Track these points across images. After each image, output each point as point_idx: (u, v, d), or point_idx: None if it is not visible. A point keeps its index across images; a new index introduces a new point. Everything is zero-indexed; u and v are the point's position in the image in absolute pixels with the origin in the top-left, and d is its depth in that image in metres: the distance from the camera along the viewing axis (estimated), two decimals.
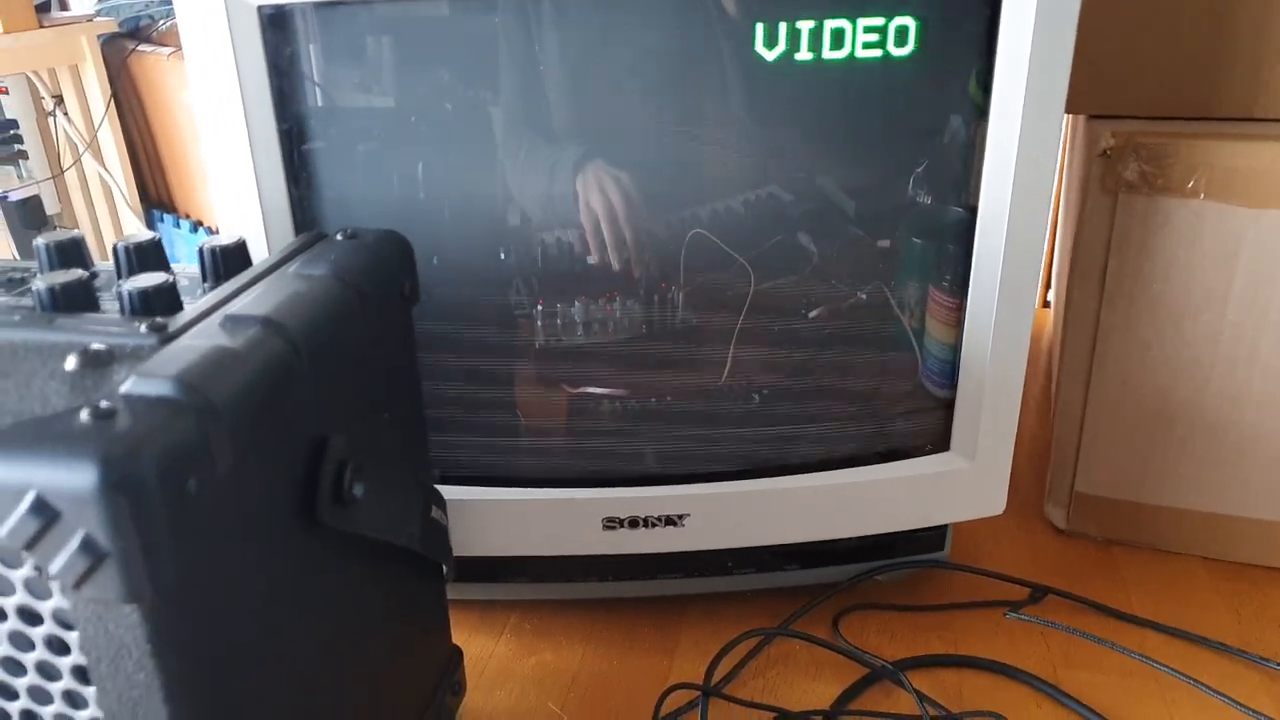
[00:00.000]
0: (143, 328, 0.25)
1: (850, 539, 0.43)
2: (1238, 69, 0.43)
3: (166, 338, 0.24)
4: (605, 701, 0.40)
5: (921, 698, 0.38)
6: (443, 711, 0.37)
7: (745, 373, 0.41)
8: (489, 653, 0.43)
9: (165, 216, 1.37)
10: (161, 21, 1.30)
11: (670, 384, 0.41)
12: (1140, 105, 0.45)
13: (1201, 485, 0.46)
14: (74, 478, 0.19)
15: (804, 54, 0.35)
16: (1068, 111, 0.45)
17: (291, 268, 0.29)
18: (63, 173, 1.37)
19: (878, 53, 0.35)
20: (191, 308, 0.26)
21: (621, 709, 0.39)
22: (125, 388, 0.21)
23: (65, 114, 1.31)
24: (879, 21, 0.35)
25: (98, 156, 1.33)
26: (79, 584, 0.19)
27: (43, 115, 1.34)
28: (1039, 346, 0.70)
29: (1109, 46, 0.44)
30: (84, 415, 0.20)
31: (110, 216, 1.39)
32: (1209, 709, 0.39)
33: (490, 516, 0.41)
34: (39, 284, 0.27)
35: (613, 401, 0.41)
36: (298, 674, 0.26)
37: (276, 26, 0.34)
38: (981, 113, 0.36)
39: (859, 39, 0.35)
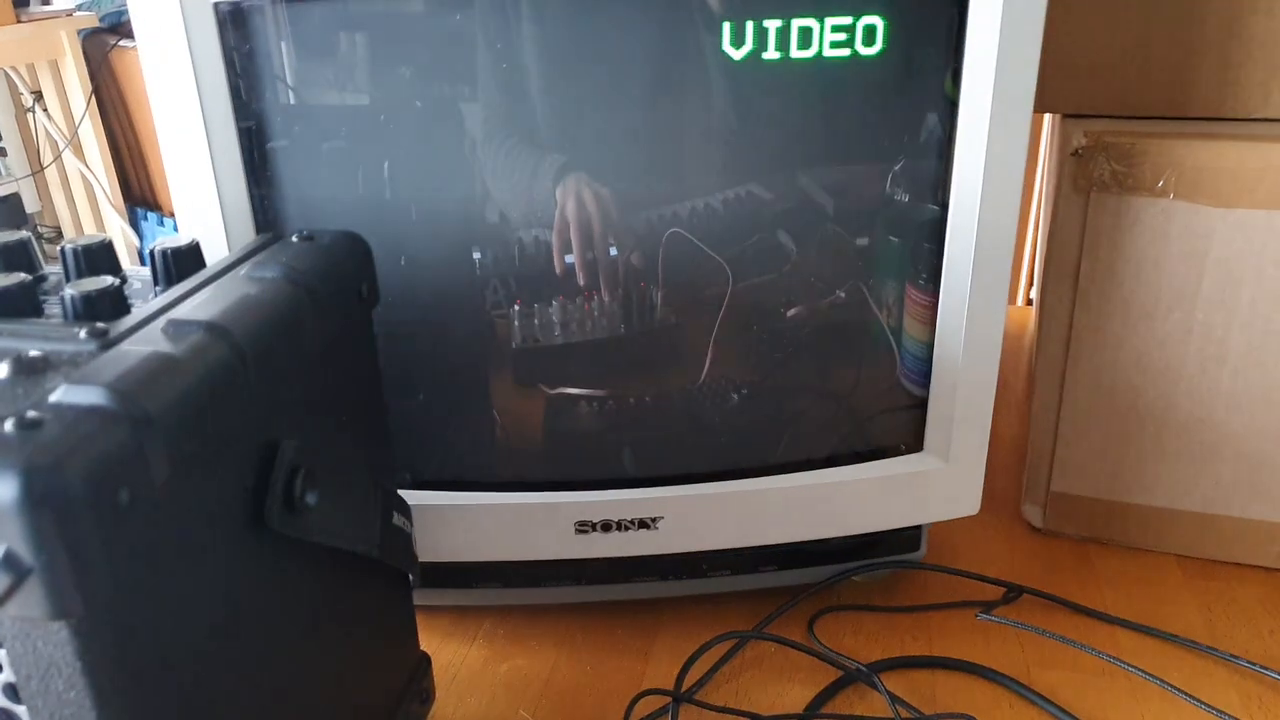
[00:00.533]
0: (82, 333, 0.24)
1: (826, 540, 0.43)
2: (1207, 69, 0.43)
3: (107, 344, 0.24)
4: (577, 707, 0.40)
5: (894, 700, 0.38)
6: (409, 719, 0.36)
7: (723, 372, 0.40)
8: (461, 659, 0.43)
9: (149, 214, 1.36)
10: None
11: (648, 384, 0.41)
12: (1113, 104, 0.45)
13: (1174, 483, 0.46)
14: None
15: (771, 53, 0.35)
16: (1044, 111, 0.44)
17: (243, 270, 0.28)
18: (42, 169, 1.35)
19: (846, 52, 0.35)
20: (136, 312, 0.26)
21: (593, 715, 0.39)
22: (55, 396, 0.20)
23: (45, 110, 1.29)
24: (846, 20, 0.35)
25: (79, 153, 1.31)
26: (1, 601, 0.19)
27: (21, 111, 1.32)
28: (1022, 345, 0.70)
29: (1082, 46, 0.43)
30: (8, 425, 0.19)
31: (92, 214, 1.37)
32: (1178, 707, 0.39)
33: (461, 521, 0.40)
34: None
35: (588, 402, 0.41)
36: (252, 685, 0.26)
37: (234, 23, 0.34)
38: (952, 112, 0.36)
39: (827, 38, 0.35)
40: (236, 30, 0.34)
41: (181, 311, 0.25)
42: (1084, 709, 0.39)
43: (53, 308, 0.27)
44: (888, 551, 0.45)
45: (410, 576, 0.35)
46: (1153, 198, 0.42)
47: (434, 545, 0.39)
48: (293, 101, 0.36)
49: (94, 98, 1.29)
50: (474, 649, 0.43)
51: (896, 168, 0.38)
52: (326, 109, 0.36)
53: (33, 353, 0.23)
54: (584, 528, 0.40)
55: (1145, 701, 0.39)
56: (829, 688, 0.40)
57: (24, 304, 0.26)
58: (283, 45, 0.35)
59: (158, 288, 0.29)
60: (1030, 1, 0.33)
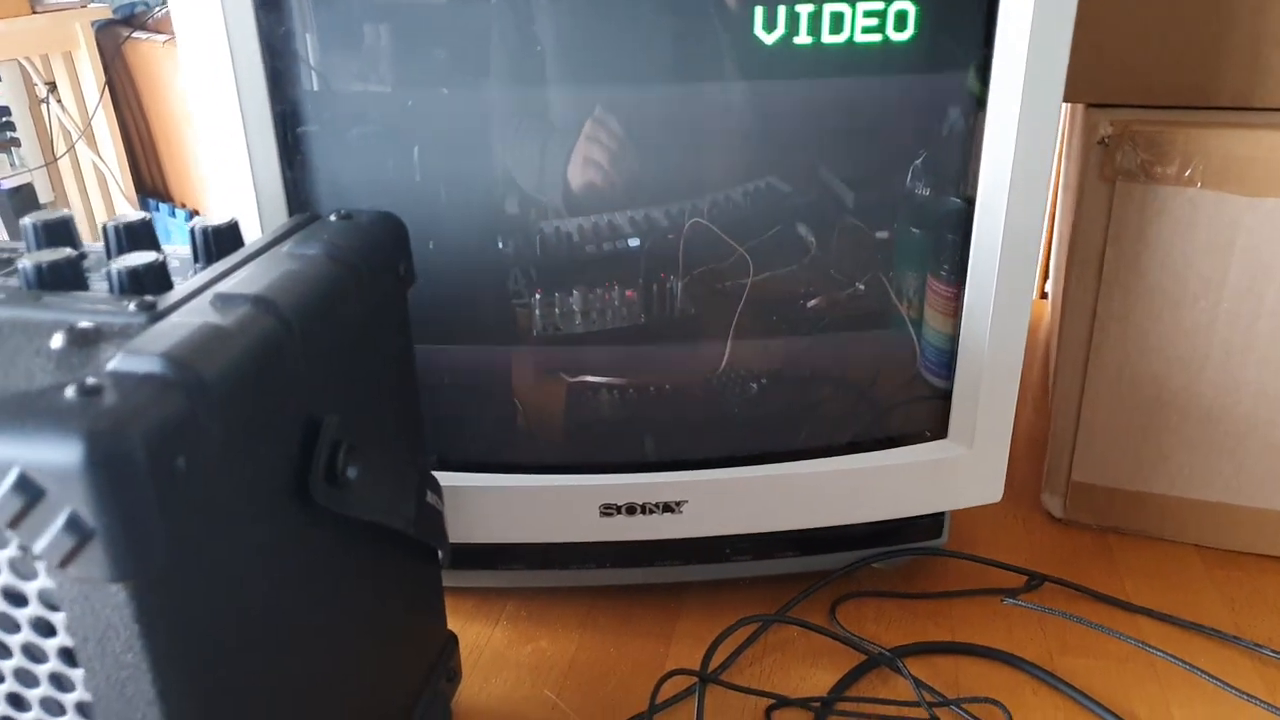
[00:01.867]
0: (131, 306, 0.24)
1: (848, 526, 0.43)
2: (1235, 58, 0.42)
3: (155, 316, 0.24)
4: (601, 688, 0.40)
5: (919, 684, 0.38)
6: (437, 697, 0.37)
7: (743, 361, 0.41)
8: (485, 640, 0.43)
9: (160, 205, 1.36)
10: (156, 8, 1.29)
11: (667, 373, 0.41)
12: (1138, 94, 0.44)
13: (1196, 473, 0.46)
14: (59, 454, 0.18)
15: (803, 38, 0.35)
16: (1066, 100, 0.44)
17: (284, 247, 0.28)
18: (55, 160, 1.36)
19: (877, 37, 0.35)
20: (181, 287, 0.26)
21: (617, 696, 0.39)
22: (113, 365, 0.21)
23: (59, 101, 1.30)
24: (878, 5, 0.35)
25: (92, 144, 1.32)
26: (64, 563, 0.19)
27: (35, 102, 1.33)
28: (1036, 337, 0.70)
29: (1108, 35, 0.43)
30: (70, 392, 0.19)
31: (104, 204, 1.38)
32: (1203, 693, 0.39)
33: (487, 503, 0.40)
34: (25, 262, 0.26)
35: (611, 389, 0.41)
36: (289, 655, 0.26)
37: (270, 7, 0.34)
38: (980, 101, 0.36)
39: (858, 23, 0.35)
40: (271, 14, 0.34)
41: (228, 285, 0.25)
42: (1107, 694, 0.39)
43: (96, 283, 0.28)
44: (910, 539, 0.46)
45: (440, 555, 0.36)
46: (1180, 187, 0.42)
47: (460, 526, 0.39)
48: (325, 87, 0.36)
49: (107, 89, 1.30)
50: (498, 630, 0.44)
51: (921, 158, 0.38)
52: (357, 95, 0.37)
53: (84, 324, 0.24)
54: (609, 510, 0.41)
55: (1169, 688, 0.39)
56: (852, 672, 0.40)
57: (71, 278, 0.26)
58: (316, 31, 0.35)
59: (197, 265, 0.30)
60: None
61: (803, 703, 0.38)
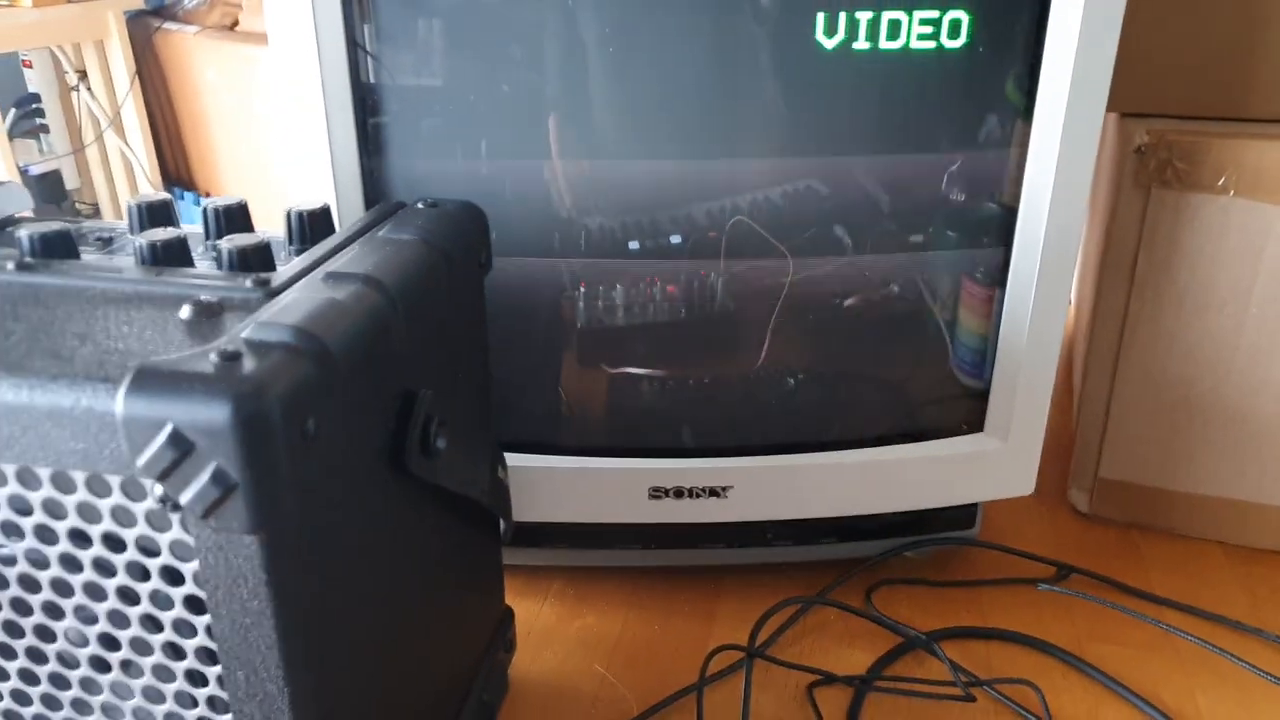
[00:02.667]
0: (248, 282, 0.26)
1: (886, 514, 0.45)
2: (1267, 72, 0.44)
3: (271, 292, 0.26)
4: (649, 664, 0.42)
5: (955, 666, 0.39)
6: (496, 666, 0.38)
7: (781, 357, 0.42)
8: (534, 616, 0.45)
9: (185, 194, 1.38)
10: (187, 0, 1.31)
11: (710, 366, 0.43)
12: (1172, 105, 0.46)
13: (1221, 472, 0.48)
14: (209, 413, 0.20)
15: (862, 43, 0.36)
16: (1108, 110, 0.46)
17: (380, 232, 0.30)
18: (84, 148, 1.38)
19: (931, 44, 0.37)
20: (289, 266, 0.28)
21: (664, 671, 0.41)
22: (246, 333, 0.22)
23: (89, 89, 1.31)
24: (934, 14, 0.36)
25: (120, 133, 1.33)
26: (208, 514, 0.21)
27: (66, 90, 1.35)
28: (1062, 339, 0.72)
29: (1144, 47, 0.45)
30: (213, 356, 0.21)
31: (130, 192, 1.40)
32: (1226, 680, 0.40)
33: (541, 483, 0.42)
34: (140, 240, 0.28)
35: (653, 380, 0.43)
36: (383, 612, 0.28)
37: (355, 5, 0.36)
38: (1024, 109, 0.38)
39: (914, 30, 0.36)
40: (356, 14, 0.36)
41: (336, 265, 0.27)
42: (1134, 680, 0.40)
43: (200, 260, 0.29)
44: (943, 528, 0.47)
45: (503, 528, 0.37)
46: (1212, 195, 0.44)
47: (516, 505, 0.41)
48: (403, 79, 0.37)
49: (137, 79, 1.31)
50: (546, 607, 0.45)
51: (962, 163, 0.40)
52: (426, 89, 0.38)
53: (208, 298, 0.25)
54: (657, 493, 0.42)
55: (1194, 676, 0.41)
56: (889, 653, 0.42)
57: (182, 255, 0.28)
58: (395, 29, 0.37)
59: (292, 246, 0.31)
60: (1110, 1, 0.35)
61: (846, 680, 0.40)
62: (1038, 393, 0.42)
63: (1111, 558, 0.49)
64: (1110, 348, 0.48)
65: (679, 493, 0.42)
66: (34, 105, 1.36)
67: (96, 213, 1.46)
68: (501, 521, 0.37)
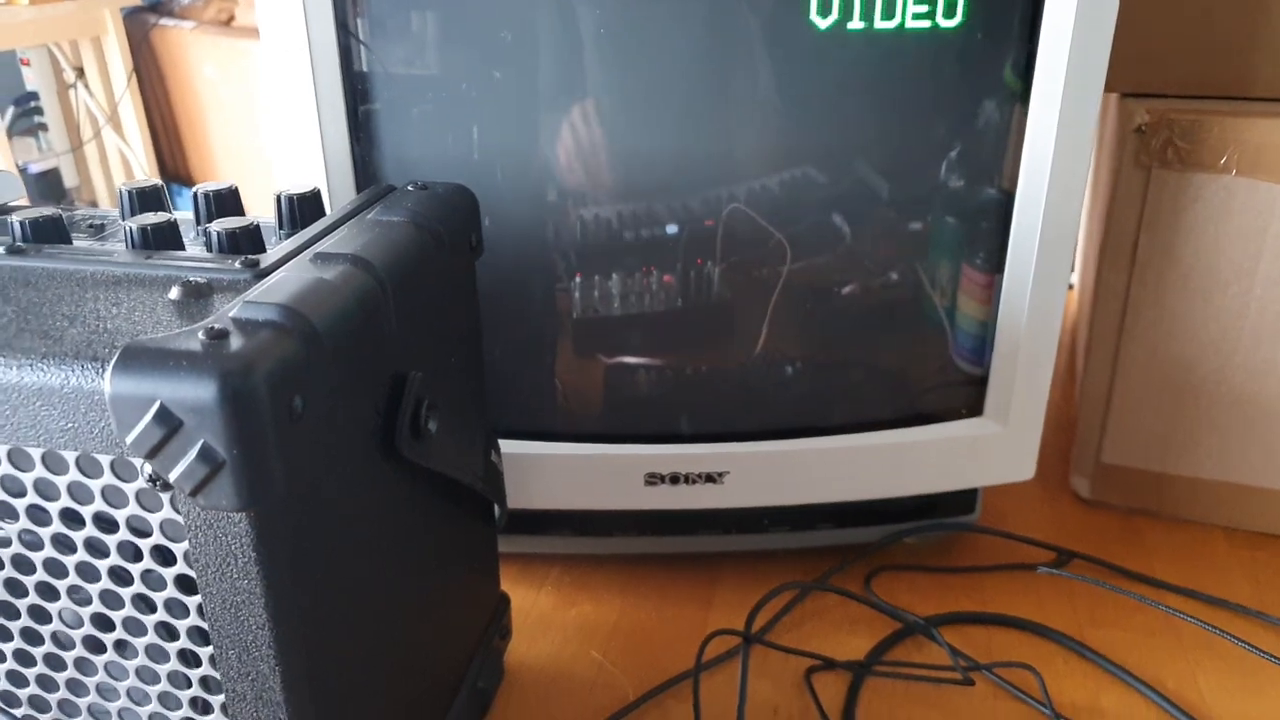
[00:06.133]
0: (236, 264, 0.26)
1: (884, 501, 0.44)
2: (1269, 50, 0.43)
3: (260, 273, 0.26)
4: (646, 650, 0.41)
5: (954, 650, 0.39)
6: (492, 652, 0.38)
7: (778, 346, 0.42)
8: (531, 603, 0.45)
9: (183, 190, 1.38)
10: None
11: (706, 354, 0.42)
12: (1172, 84, 0.46)
13: (1224, 456, 0.48)
14: (196, 390, 0.20)
15: (856, 23, 0.36)
16: (1107, 90, 0.45)
17: (370, 214, 0.30)
18: (82, 145, 1.38)
19: (926, 24, 0.36)
20: (278, 247, 0.27)
21: (661, 657, 0.41)
22: (234, 312, 0.22)
23: (86, 87, 1.31)
24: None
25: (118, 130, 1.34)
26: (196, 491, 0.21)
27: (63, 88, 1.35)
28: (1062, 325, 0.71)
29: (1143, 26, 0.44)
30: (200, 335, 0.21)
31: None
32: (1230, 663, 0.40)
33: (536, 469, 0.42)
34: (131, 224, 0.28)
35: (649, 369, 0.42)
36: (374, 598, 0.28)
37: None
38: (1020, 91, 0.37)
39: (909, 9, 0.36)
40: (347, 4, 0.35)
41: (325, 246, 0.27)
42: (1136, 665, 0.40)
43: (191, 245, 0.29)
44: (943, 514, 0.47)
45: (498, 514, 0.37)
46: (1214, 174, 0.43)
47: (511, 492, 0.41)
48: (388, 68, 0.37)
49: (134, 75, 1.31)
50: (543, 594, 0.45)
51: (959, 147, 0.39)
52: (417, 76, 0.38)
53: (196, 279, 0.25)
54: (653, 480, 0.42)
55: (1196, 661, 0.41)
56: (888, 639, 0.41)
57: (173, 239, 0.28)
58: (384, 17, 0.36)
59: (282, 230, 0.31)
60: None
61: (844, 665, 0.39)
62: (1037, 377, 0.42)
63: (1113, 543, 0.48)
64: (1112, 331, 0.48)
65: (675, 479, 0.42)
66: (32, 103, 1.36)
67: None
68: (496, 507, 0.37)
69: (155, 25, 1.29)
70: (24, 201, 0.34)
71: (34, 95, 1.36)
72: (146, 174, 1.36)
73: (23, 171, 1.33)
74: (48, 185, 1.41)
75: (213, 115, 1.28)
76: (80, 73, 1.32)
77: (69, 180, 1.44)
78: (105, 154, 1.39)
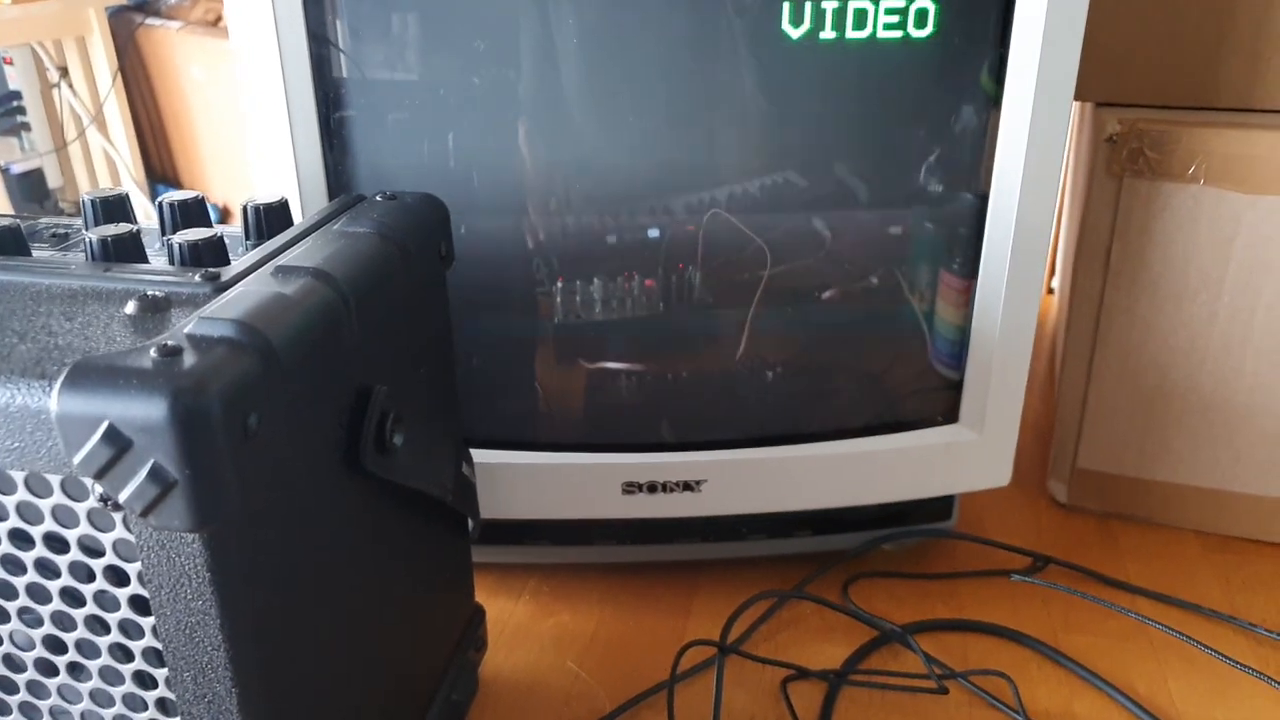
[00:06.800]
0: (196, 277, 0.26)
1: (861, 507, 0.44)
2: (1237, 61, 0.44)
3: (220, 286, 0.25)
4: (622, 661, 0.41)
5: (929, 658, 0.39)
6: (466, 665, 0.38)
7: (759, 351, 0.42)
8: (508, 614, 0.44)
9: (170, 190, 1.37)
10: None
11: (684, 361, 0.42)
12: (1144, 94, 0.46)
13: (1196, 461, 0.48)
14: (146, 409, 0.20)
15: (828, 33, 0.36)
16: (1076, 99, 0.46)
17: (335, 225, 0.29)
18: (66, 146, 1.37)
19: (898, 34, 0.36)
20: (241, 260, 0.27)
21: (638, 667, 0.41)
22: (189, 328, 0.22)
23: (70, 86, 1.30)
24: (900, 3, 0.36)
25: (103, 130, 1.32)
26: (146, 511, 0.20)
27: (47, 87, 1.33)
28: (1043, 332, 0.72)
29: (1115, 37, 0.45)
30: (152, 352, 0.21)
31: None
32: (1198, 669, 0.40)
33: (513, 479, 0.42)
34: (91, 235, 0.28)
35: (630, 375, 0.42)
36: (338, 615, 0.28)
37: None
38: (993, 98, 0.38)
39: (880, 20, 0.36)
40: (318, 6, 0.35)
41: (287, 259, 0.27)
42: (1108, 670, 0.40)
43: (154, 256, 0.29)
44: (920, 521, 0.47)
45: (471, 527, 0.37)
46: (1183, 184, 0.43)
47: (487, 503, 0.41)
48: (362, 75, 0.37)
49: (119, 75, 1.30)
50: (520, 605, 0.45)
51: (935, 155, 0.40)
52: (392, 83, 0.38)
53: (155, 292, 0.25)
54: (630, 488, 0.42)
55: (1167, 665, 0.41)
56: (864, 647, 0.42)
57: (133, 251, 0.28)
58: (357, 21, 0.36)
59: (248, 241, 0.31)
60: None
61: (819, 674, 0.39)
62: (1012, 383, 0.42)
63: (1089, 548, 0.49)
64: (1087, 337, 0.48)
65: (653, 487, 0.42)
66: (15, 103, 1.35)
67: (79, 211, 1.44)
68: (469, 519, 0.37)
69: (141, 25, 1.28)
70: None
71: (17, 95, 1.35)
72: (132, 174, 1.35)
73: (5, 172, 1.31)
74: (31, 186, 1.39)
75: (199, 116, 1.27)
76: (64, 72, 1.31)
77: (53, 181, 1.42)
78: (90, 154, 1.37)
